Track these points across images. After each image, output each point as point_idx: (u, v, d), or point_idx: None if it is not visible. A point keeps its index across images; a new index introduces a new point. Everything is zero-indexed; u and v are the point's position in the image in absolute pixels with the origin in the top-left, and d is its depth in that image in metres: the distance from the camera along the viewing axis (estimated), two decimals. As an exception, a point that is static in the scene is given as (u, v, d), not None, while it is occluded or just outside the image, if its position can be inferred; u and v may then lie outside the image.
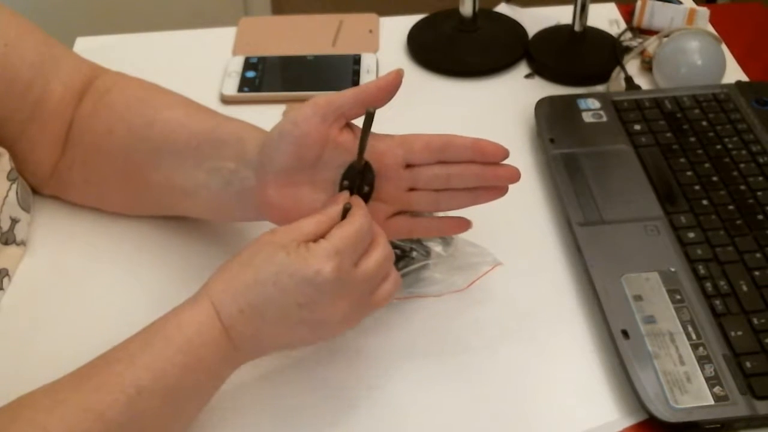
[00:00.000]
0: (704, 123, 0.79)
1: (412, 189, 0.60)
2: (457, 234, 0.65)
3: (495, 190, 0.61)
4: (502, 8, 1.00)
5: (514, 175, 0.60)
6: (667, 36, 0.90)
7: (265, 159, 0.58)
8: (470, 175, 0.60)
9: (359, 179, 0.58)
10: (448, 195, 0.60)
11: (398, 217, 0.60)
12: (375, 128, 0.56)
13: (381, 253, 0.55)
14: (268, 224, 0.60)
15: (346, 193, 0.57)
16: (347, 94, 0.57)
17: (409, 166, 0.59)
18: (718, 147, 0.76)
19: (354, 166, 0.57)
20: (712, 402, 0.56)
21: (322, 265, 0.52)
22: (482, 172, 0.60)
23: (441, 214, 0.63)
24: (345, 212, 0.56)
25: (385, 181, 0.59)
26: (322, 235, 0.54)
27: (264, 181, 0.58)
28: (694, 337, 0.60)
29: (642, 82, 0.88)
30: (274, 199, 0.58)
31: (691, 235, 0.67)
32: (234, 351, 0.54)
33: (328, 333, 0.56)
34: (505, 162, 0.60)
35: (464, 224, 0.63)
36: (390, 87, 0.58)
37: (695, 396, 0.56)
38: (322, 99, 0.57)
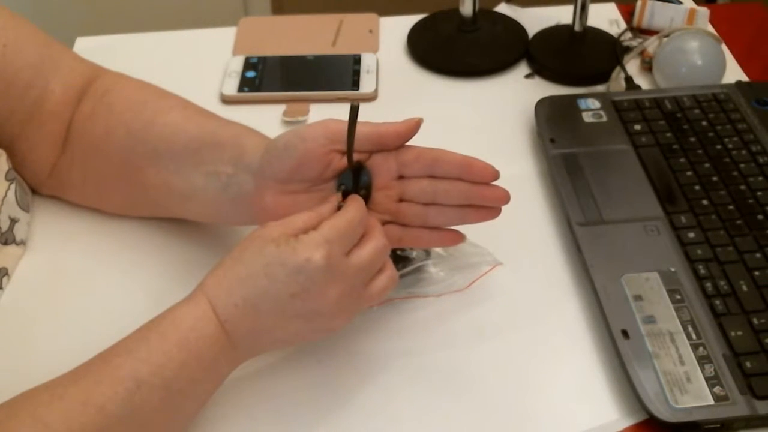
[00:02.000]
0: (704, 123, 0.79)
1: (402, 200, 0.60)
2: (447, 246, 0.65)
3: (485, 210, 0.60)
4: (502, 8, 1.00)
5: (503, 197, 0.59)
6: (667, 36, 0.90)
7: (266, 166, 0.58)
8: (457, 192, 0.59)
9: (354, 179, 0.58)
10: (436, 210, 0.60)
11: (388, 226, 0.60)
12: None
13: (374, 244, 0.55)
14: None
15: (339, 195, 0.57)
16: (362, 130, 0.56)
17: (400, 177, 0.59)
18: (718, 147, 0.76)
19: (348, 169, 0.57)
20: (712, 402, 0.56)
21: (312, 253, 0.52)
22: (469, 191, 0.59)
23: None
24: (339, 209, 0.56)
25: (377, 190, 0.59)
26: (311, 230, 0.54)
27: (262, 186, 0.58)
28: (694, 337, 0.60)
29: (642, 82, 0.88)
30: (271, 206, 0.58)
31: (691, 235, 0.67)
32: (231, 347, 0.54)
33: (324, 326, 0.55)
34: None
35: (455, 238, 0.62)
36: (408, 134, 0.58)
37: (695, 396, 0.56)
38: (334, 125, 0.57)
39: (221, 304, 0.53)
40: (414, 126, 0.58)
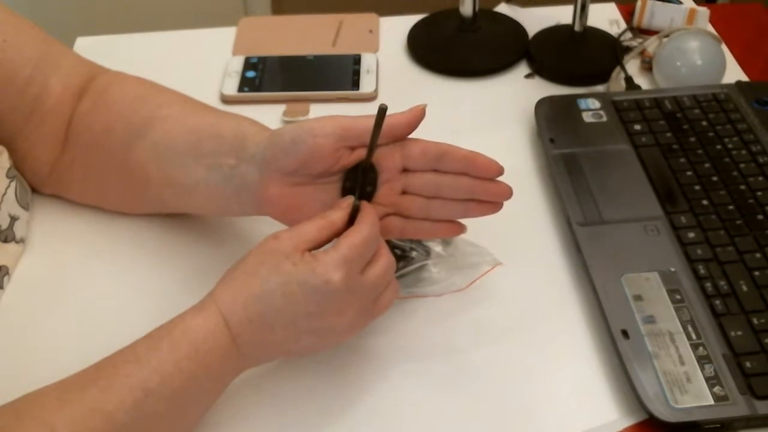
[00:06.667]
0: (704, 123, 0.79)
1: (405, 192, 0.60)
2: (449, 237, 0.65)
3: (487, 205, 0.60)
4: (502, 8, 1.00)
5: (505, 193, 0.60)
6: (667, 36, 0.90)
7: (272, 158, 0.58)
8: (461, 187, 0.59)
9: (362, 179, 0.58)
10: (439, 203, 0.60)
11: (391, 218, 0.60)
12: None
13: (385, 262, 0.56)
14: (268, 221, 0.60)
15: (349, 199, 0.57)
16: (371, 124, 0.55)
17: (404, 170, 0.59)
18: (718, 147, 0.76)
19: (358, 166, 0.57)
20: (711, 402, 0.56)
21: (331, 275, 0.52)
22: (473, 186, 0.59)
23: None
24: (354, 211, 0.56)
25: (381, 183, 0.59)
26: (324, 241, 0.55)
27: (267, 178, 0.58)
28: (694, 337, 0.60)
29: (642, 82, 0.88)
30: (276, 196, 0.58)
31: (691, 235, 0.67)
32: (240, 358, 0.54)
33: (333, 341, 0.57)
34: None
35: (457, 228, 0.62)
36: (415, 122, 0.58)
37: (695, 396, 0.56)
38: (345, 120, 0.56)
39: (235, 319, 0.53)
40: (420, 113, 0.58)
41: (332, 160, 0.57)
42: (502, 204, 0.61)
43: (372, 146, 0.56)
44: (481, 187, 0.59)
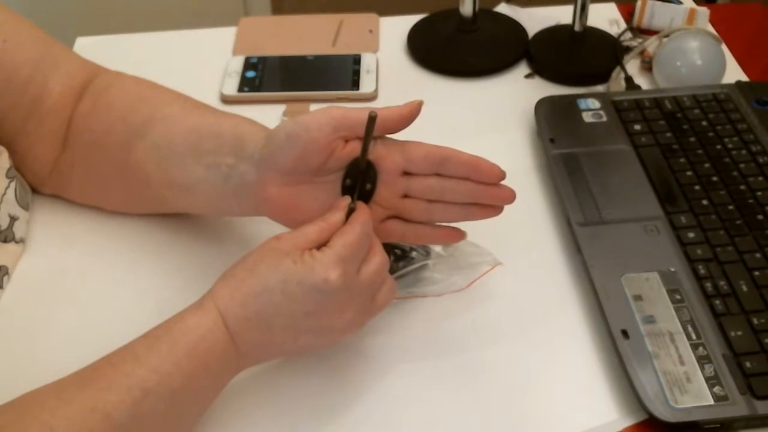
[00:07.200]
0: (704, 123, 0.79)
1: (406, 196, 0.60)
2: (448, 243, 0.65)
3: (489, 208, 0.61)
4: (502, 8, 1.00)
5: (508, 197, 0.60)
6: (667, 36, 0.90)
7: (269, 156, 0.58)
8: (464, 191, 0.59)
9: (361, 178, 0.58)
10: (440, 207, 0.60)
11: (391, 221, 0.61)
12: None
13: (380, 258, 0.56)
14: (268, 222, 0.60)
15: (347, 199, 0.57)
16: (363, 116, 0.55)
17: (406, 173, 0.59)
18: (718, 147, 0.76)
19: (356, 165, 0.57)
20: (711, 402, 0.56)
21: (329, 273, 0.52)
22: (476, 190, 0.59)
23: None
24: (350, 212, 0.56)
25: (382, 185, 0.59)
26: (325, 242, 0.55)
27: (265, 177, 0.58)
28: (693, 337, 0.60)
29: (642, 82, 0.88)
30: (274, 196, 0.58)
31: (691, 235, 0.67)
32: (238, 357, 0.54)
33: (332, 340, 0.56)
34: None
35: (457, 235, 0.63)
36: (410, 116, 0.58)
37: (695, 396, 0.56)
38: (337, 111, 0.56)
39: (233, 317, 0.53)
40: (415, 108, 0.58)
41: (327, 153, 0.56)
42: (503, 207, 0.61)
43: (364, 149, 0.56)
44: (484, 191, 0.60)
